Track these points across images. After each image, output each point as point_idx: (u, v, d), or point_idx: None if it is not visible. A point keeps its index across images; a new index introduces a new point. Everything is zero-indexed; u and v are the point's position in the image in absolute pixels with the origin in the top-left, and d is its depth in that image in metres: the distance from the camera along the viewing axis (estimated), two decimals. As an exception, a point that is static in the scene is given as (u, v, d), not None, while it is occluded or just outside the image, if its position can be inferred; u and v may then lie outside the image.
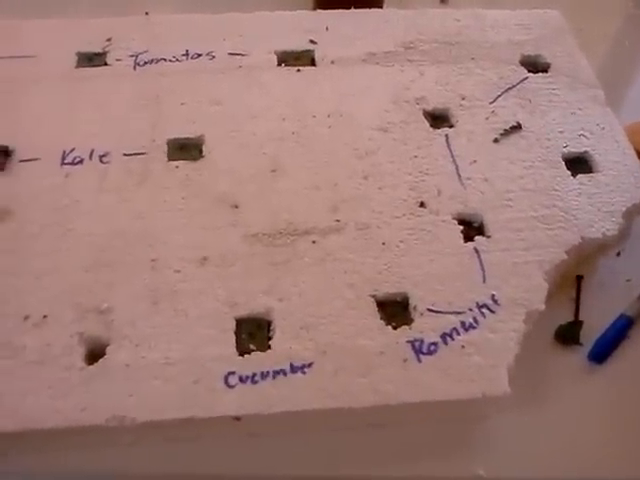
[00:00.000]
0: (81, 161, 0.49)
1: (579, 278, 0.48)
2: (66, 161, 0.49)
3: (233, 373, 0.39)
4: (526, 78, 0.55)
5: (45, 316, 0.41)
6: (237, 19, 0.60)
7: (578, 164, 0.50)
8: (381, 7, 0.64)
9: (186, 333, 0.41)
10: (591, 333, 0.44)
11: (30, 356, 0.39)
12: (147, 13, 0.62)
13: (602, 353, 0.44)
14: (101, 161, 0.49)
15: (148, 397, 0.38)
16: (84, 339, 0.40)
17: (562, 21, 0.60)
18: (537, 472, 0.39)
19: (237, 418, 0.38)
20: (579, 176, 0.50)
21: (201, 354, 0.40)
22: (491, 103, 0.54)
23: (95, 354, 0.40)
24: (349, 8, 0.61)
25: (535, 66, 0.57)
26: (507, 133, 0.52)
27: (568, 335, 0.45)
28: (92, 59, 0.56)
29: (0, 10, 0.61)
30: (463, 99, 0.54)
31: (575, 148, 0.51)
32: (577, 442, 0.40)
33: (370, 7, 0.62)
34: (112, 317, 0.41)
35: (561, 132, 0.52)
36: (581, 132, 0.52)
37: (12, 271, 0.43)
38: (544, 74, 0.56)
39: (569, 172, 0.50)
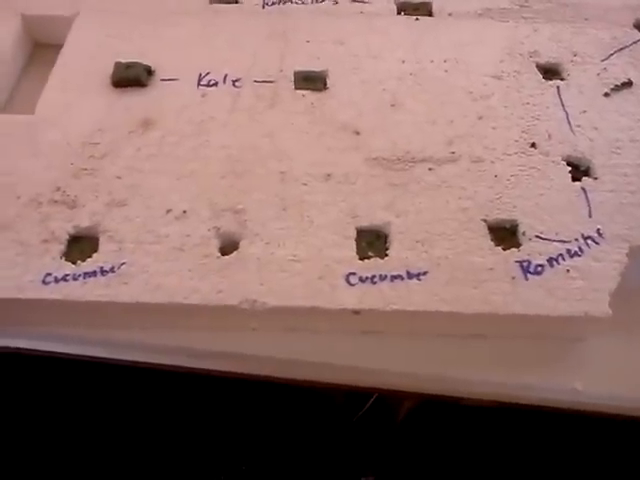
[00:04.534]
0: (216, 84, 0.53)
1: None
2: (202, 83, 0.53)
3: (354, 274, 0.43)
4: (639, 40, 0.57)
5: (185, 211, 0.45)
6: (360, -31, 0.63)
7: (686, 120, 0.52)
8: (497, -33, 0.66)
9: (312, 236, 0.44)
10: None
11: (172, 243, 0.44)
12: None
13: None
14: (234, 85, 0.53)
15: (277, 286, 0.42)
16: (220, 233, 0.45)
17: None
18: (629, 390, 0.41)
19: (356, 312, 0.42)
20: (687, 131, 0.51)
21: (325, 255, 0.44)
22: (603, 61, 0.56)
23: (229, 247, 0.44)
24: (467, -34, 0.64)
25: (648, 29, 0.59)
26: (618, 88, 0.54)
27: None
28: (225, -4, 0.61)
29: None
30: (575, 55, 0.56)
31: (684, 105, 0.53)
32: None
33: (487, -33, 0.64)
34: (245, 217, 0.45)
35: (671, 91, 0.54)
36: (691, 92, 0.54)
37: (156, 171, 0.47)
38: (657, 37, 0.58)
39: (678, 126, 0.51)
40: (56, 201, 0.46)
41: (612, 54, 0.56)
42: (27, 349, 0.42)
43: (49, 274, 0.42)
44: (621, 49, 0.56)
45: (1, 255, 0.43)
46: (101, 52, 0.55)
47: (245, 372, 0.43)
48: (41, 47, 0.59)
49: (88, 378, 0.50)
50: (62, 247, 0.44)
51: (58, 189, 0.46)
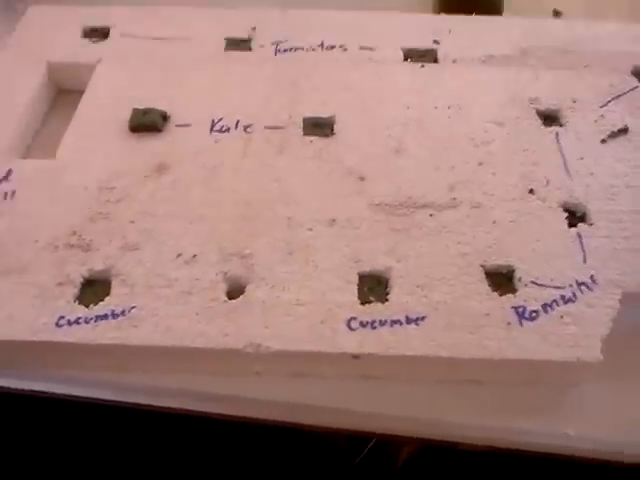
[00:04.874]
0: (228, 129, 0.56)
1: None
2: (215, 128, 0.56)
3: (355, 318, 0.45)
4: (637, 87, 0.59)
5: (194, 255, 0.48)
6: (368, 17, 0.66)
7: (682, 167, 0.54)
8: (500, 14, 0.68)
9: (315, 280, 0.46)
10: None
11: (181, 287, 0.46)
12: (282, 7, 0.69)
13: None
14: (245, 131, 0.56)
15: (281, 330, 0.44)
16: (227, 277, 0.47)
17: (675, 36, 0.63)
18: (621, 436, 0.43)
19: (356, 356, 0.43)
20: (682, 178, 0.53)
21: (327, 299, 0.45)
22: (601, 107, 0.58)
23: (236, 291, 0.46)
24: (470, 14, 0.66)
25: (646, 76, 0.60)
26: (614, 135, 0.55)
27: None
28: (238, 44, 0.63)
29: (173, 1, 0.69)
30: (574, 102, 0.58)
31: (680, 152, 0.54)
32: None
33: (490, 14, 0.67)
34: (252, 261, 0.47)
35: (668, 138, 0.55)
36: (687, 139, 0.55)
37: (169, 216, 0.50)
38: (654, 84, 0.60)
39: (673, 174, 0.53)
40: (72, 245, 0.48)
41: (610, 101, 0.58)
42: (41, 392, 0.44)
43: (62, 317, 0.44)
44: (618, 96, 0.58)
45: (18, 298, 0.45)
46: (119, 98, 0.58)
47: (249, 415, 0.45)
48: (64, 93, 0.62)
49: (96, 420, 0.52)
50: (76, 290, 0.46)
51: (74, 233, 0.49)
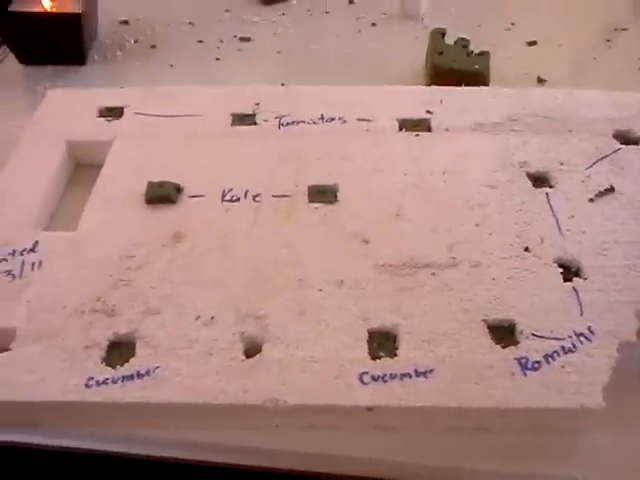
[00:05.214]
0: (238, 199, 0.59)
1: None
2: (226, 198, 0.59)
3: (367, 373, 0.47)
4: (619, 149, 0.63)
5: (212, 317, 0.50)
6: (364, 91, 0.70)
7: (666, 223, 0.57)
8: (487, 85, 0.73)
9: (327, 338, 0.49)
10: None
11: (201, 347, 0.48)
12: (283, 84, 0.74)
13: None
14: (254, 200, 0.59)
15: (297, 386, 0.46)
16: (244, 338, 0.49)
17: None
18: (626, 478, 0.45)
19: (370, 409, 0.46)
20: (667, 234, 0.56)
21: (340, 356, 0.48)
22: (587, 169, 0.62)
23: (253, 350, 0.49)
24: (460, 85, 0.71)
25: (627, 139, 0.65)
26: (601, 194, 0.59)
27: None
28: (244, 119, 0.67)
29: (181, 82, 0.74)
30: (562, 164, 0.62)
31: (663, 209, 0.58)
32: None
33: (478, 85, 0.72)
34: (267, 322, 0.50)
35: (651, 196, 0.59)
36: (669, 196, 0.59)
37: (186, 281, 0.53)
38: (635, 146, 0.64)
39: (658, 229, 0.57)
40: (97, 310, 0.51)
41: (595, 162, 0.62)
42: (72, 448, 0.46)
43: (91, 378, 0.47)
44: (603, 158, 0.62)
45: (49, 361, 0.48)
46: (135, 173, 0.61)
47: (269, 466, 0.47)
48: (81, 167, 0.66)
49: (125, 474, 0.53)
50: (102, 352, 0.48)
51: (99, 299, 0.51)
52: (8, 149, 0.64)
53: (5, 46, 0.80)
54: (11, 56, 0.80)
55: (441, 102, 0.69)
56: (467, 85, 0.71)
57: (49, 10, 0.77)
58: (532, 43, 0.84)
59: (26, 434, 0.47)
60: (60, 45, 0.77)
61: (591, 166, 0.62)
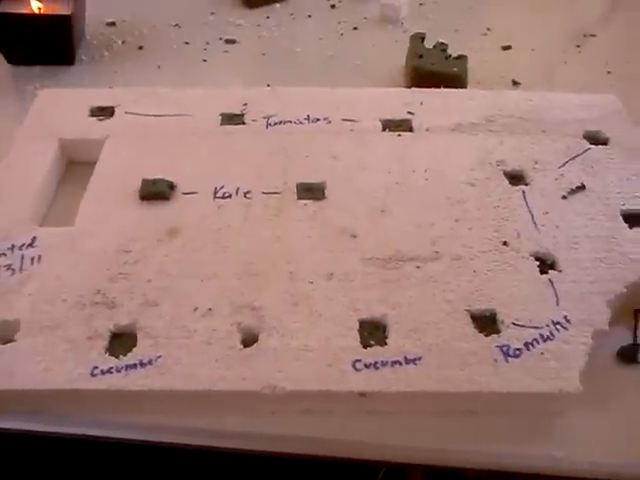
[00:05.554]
0: (229, 196, 0.62)
1: (636, 311, 0.57)
2: (217, 195, 0.61)
3: (359, 360, 0.50)
4: (589, 149, 0.67)
5: (210, 309, 0.52)
6: (348, 93, 0.73)
7: (634, 219, 0.61)
8: (465, 87, 0.77)
9: (320, 328, 0.51)
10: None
11: (200, 337, 0.51)
12: (268, 85, 0.77)
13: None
14: (245, 197, 0.61)
15: (293, 373, 0.49)
16: (241, 328, 0.51)
17: (619, 104, 0.72)
18: (602, 456, 0.48)
19: (362, 394, 0.48)
20: (635, 228, 0.60)
21: (332, 345, 0.50)
22: (559, 168, 0.65)
23: (250, 340, 0.51)
24: (439, 87, 0.74)
25: (596, 140, 0.68)
26: (573, 192, 0.63)
27: (628, 354, 0.54)
28: (232, 119, 0.69)
29: (168, 83, 0.76)
30: (536, 163, 0.65)
31: (631, 206, 0.61)
32: (634, 437, 0.49)
33: (456, 87, 0.75)
34: (262, 313, 0.52)
35: (619, 193, 0.63)
36: (636, 194, 0.63)
37: (183, 274, 0.55)
38: (604, 146, 0.68)
39: (626, 225, 0.60)
40: (97, 303, 0.52)
41: (567, 162, 0.66)
42: (79, 434, 0.48)
43: (96, 367, 0.48)
44: (574, 157, 0.66)
45: (53, 351, 0.49)
46: (129, 170, 0.63)
47: (267, 450, 0.49)
48: (73, 164, 0.67)
49: (128, 458, 0.55)
50: (105, 343, 0.50)
51: (98, 292, 0.53)
52: (1, 147, 0.65)
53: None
54: None
55: (421, 103, 0.72)
56: (446, 87, 0.75)
57: (37, 11, 0.78)
58: (507, 47, 0.87)
59: (32, 422, 0.48)
60: (49, 46, 0.78)
61: (563, 165, 0.66)
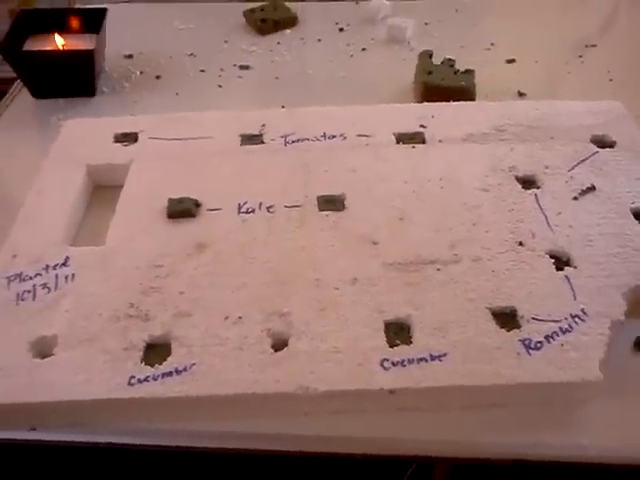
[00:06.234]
0: (253, 211, 0.64)
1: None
2: (242, 210, 0.64)
3: (387, 359, 0.51)
4: (597, 152, 0.69)
5: (240, 317, 0.54)
6: (362, 110, 0.76)
7: (644, 216, 0.63)
8: (473, 100, 0.80)
9: (348, 331, 0.53)
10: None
11: (233, 344, 0.53)
12: (283, 107, 0.80)
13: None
14: (268, 211, 0.64)
15: (324, 374, 0.50)
16: (271, 334, 0.53)
17: (623, 109, 0.75)
18: (627, 442, 0.50)
19: (392, 391, 0.50)
20: (645, 225, 0.62)
21: (361, 345, 0.52)
22: (569, 171, 0.67)
23: (280, 344, 0.53)
24: (449, 101, 0.77)
25: (603, 143, 0.71)
26: (584, 193, 0.65)
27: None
28: (252, 139, 0.72)
29: (186, 109, 0.79)
30: (547, 168, 0.68)
31: (640, 204, 0.64)
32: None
33: (465, 100, 0.78)
34: (290, 319, 0.54)
35: (628, 192, 0.65)
36: (645, 192, 0.65)
37: (213, 286, 0.57)
38: (611, 149, 0.70)
39: (637, 221, 0.62)
40: (131, 315, 0.55)
41: (576, 165, 0.68)
42: (116, 443, 0.50)
43: (133, 377, 0.50)
44: (582, 160, 0.68)
45: (91, 363, 0.51)
46: (155, 191, 0.66)
47: (302, 450, 0.50)
48: (100, 188, 0.70)
49: (168, 465, 0.57)
50: (140, 353, 0.52)
51: (132, 305, 0.55)
52: (27, 176, 0.68)
53: (19, 81, 0.85)
54: (24, 90, 0.85)
55: (433, 117, 0.74)
56: (455, 100, 0.77)
57: (61, 48, 0.82)
58: (511, 61, 0.91)
59: (73, 433, 0.50)
60: (73, 79, 0.82)
61: (573, 168, 0.68)
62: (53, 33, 0.84)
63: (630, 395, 0.52)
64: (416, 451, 0.50)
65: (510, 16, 1.01)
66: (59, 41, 0.82)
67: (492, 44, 0.94)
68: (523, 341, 0.53)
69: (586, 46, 0.93)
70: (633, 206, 0.64)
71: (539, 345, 0.52)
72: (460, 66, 0.82)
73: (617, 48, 0.93)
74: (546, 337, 0.53)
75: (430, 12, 1.01)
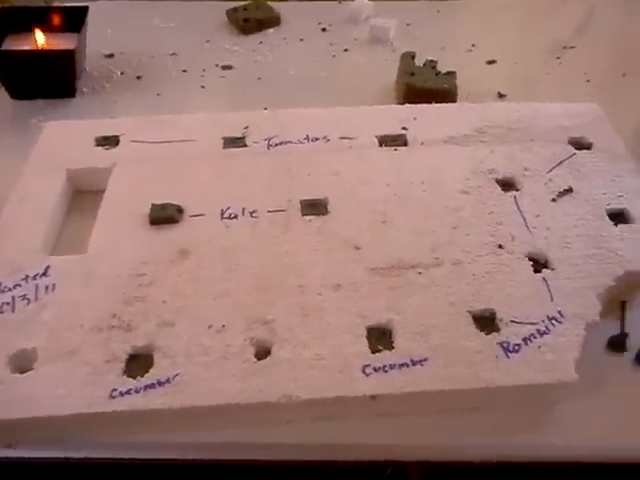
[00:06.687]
0: (236, 216, 0.64)
1: (623, 302, 0.60)
2: (224, 216, 0.64)
3: (368, 365, 0.52)
4: (574, 154, 0.70)
5: (223, 325, 0.55)
6: (344, 112, 0.76)
7: (619, 217, 0.64)
8: (455, 102, 0.80)
9: (330, 337, 0.54)
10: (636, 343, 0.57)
11: (216, 353, 0.53)
12: (266, 108, 0.80)
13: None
14: (251, 216, 0.64)
15: (307, 382, 0.51)
16: (254, 342, 0.54)
17: (600, 111, 0.76)
18: (600, 441, 0.51)
19: (373, 397, 0.51)
20: (620, 226, 0.63)
21: (343, 352, 0.53)
22: (548, 173, 0.68)
23: (263, 352, 0.53)
24: (430, 103, 0.78)
25: (580, 145, 0.72)
26: (561, 194, 0.66)
27: (617, 343, 0.57)
28: (235, 142, 0.72)
29: (168, 110, 0.79)
30: (526, 170, 0.69)
31: (616, 205, 0.65)
32: (626, 420, 0.52)
33: (446, 102, 0.78)
34: (274, 326, 0.55)
35: (604, 194, 0.66)
36: (620, 194, 0.66)
37: (196, 294, 0.57)
38: (588, 151, 0.71)
39: (612, 223, 0.63)
40: (114, 326, 0.55)
41: (554, 167, 0.69)
42: (99, 458, 0.50)
43: (115, 389, 0.50)
44: (561, 162, 0.69)
45: (72, 377, 0.51)
46: (137, 196, 0.66)
47: (284, 459, 0.51)
48: (79, 193, 0.70)
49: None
50: (122, 365, 0.52)
51: (114, 316, 0.55)
52: (7, 181, 0.68)
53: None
54: (2, 91, 0.84)
55: (415, 119, 0.75)
56: (437, 102, 0.78)
57: (41, 47, 0.81)
58: (491, 62, 0.91)
59: (54, 450, 0.50)
60: (52, 80, 0.81)
61: (551, 170, 0.69)
62: (33, 31, 0.83)
63: (603, 394, 0.53)
64: (395, 456, 0.52)
65: (491, 17, 1.02)
66: (40, 39, 0.81)
67: (473, 45, 0.95)
68: (502, 344, 0.54)
69: (564, 48, 0.94)
70: (609, 207, 0.65)
71: (517, 347, 0.53)
72: (442, 67, 0.82)
73: (594, 50, 0.94)
74: (524, 339, 0.54)
75: (412, 13, 1.02)
